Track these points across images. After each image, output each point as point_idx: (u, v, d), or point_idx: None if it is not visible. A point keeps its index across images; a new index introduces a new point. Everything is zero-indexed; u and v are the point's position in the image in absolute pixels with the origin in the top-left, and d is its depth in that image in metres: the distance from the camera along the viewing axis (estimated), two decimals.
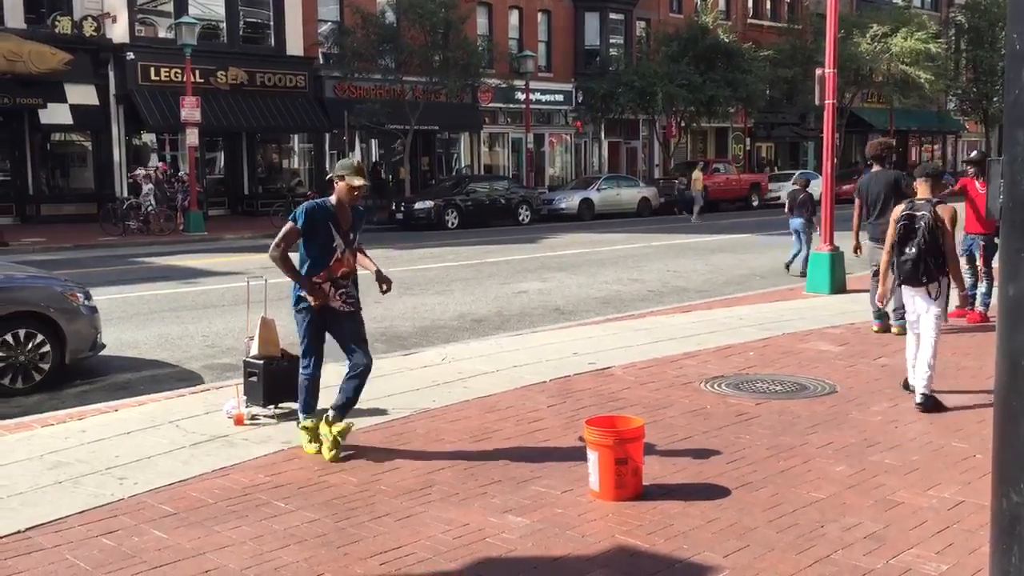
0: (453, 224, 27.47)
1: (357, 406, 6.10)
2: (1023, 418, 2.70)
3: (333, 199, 5.84)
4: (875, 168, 9.91)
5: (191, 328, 10.87)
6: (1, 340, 7.92)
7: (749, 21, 44.38)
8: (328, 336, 5.96)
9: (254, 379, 6.65)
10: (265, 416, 6.63)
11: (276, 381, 6.65)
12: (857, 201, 9.91)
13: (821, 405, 6.98)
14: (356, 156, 32.19)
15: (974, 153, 12.53)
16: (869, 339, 9.43)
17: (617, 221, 29.85)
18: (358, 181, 5.73)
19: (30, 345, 8.08)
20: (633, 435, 5.13)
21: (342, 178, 5.75)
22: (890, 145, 10.31)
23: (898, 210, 7.19)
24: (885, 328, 9.67)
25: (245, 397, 6.69)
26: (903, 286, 7.12)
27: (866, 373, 8.00)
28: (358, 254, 6.05)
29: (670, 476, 5.44)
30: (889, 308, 9.52)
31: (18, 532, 4.66)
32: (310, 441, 5.90)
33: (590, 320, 11.14)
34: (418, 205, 27.48)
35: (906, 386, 7.40)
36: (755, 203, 36.83)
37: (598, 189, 32.28)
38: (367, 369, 5.85)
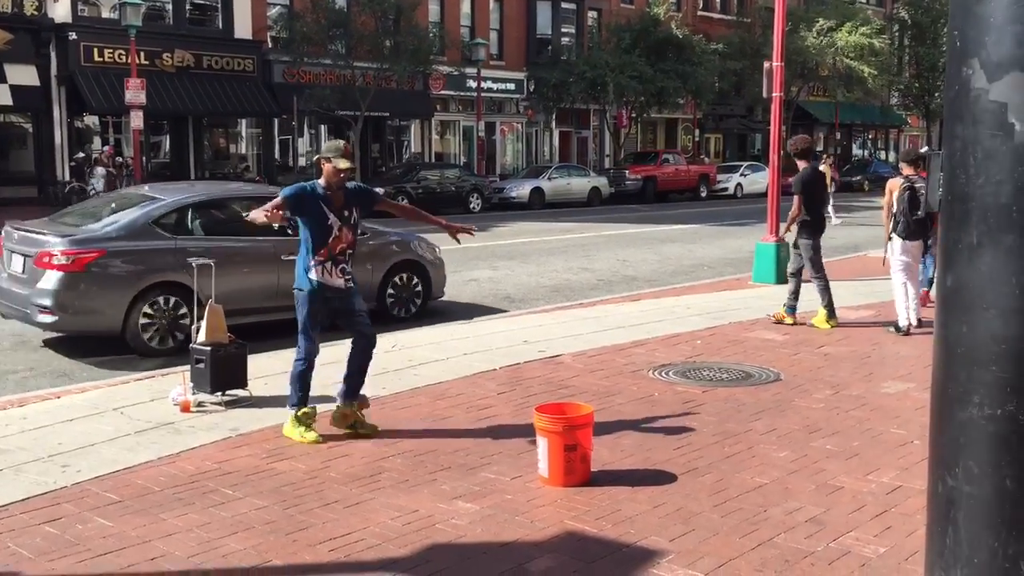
0: None
1: (321, 392, 6.09)
2: (958, 405, 2.78)
3: (322, 181, 5.89)
4: (804, 164, 9.72)
5: None
6: (392, 281, 10.33)
7: (699, 13, 44.72)
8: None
9: (201, 366, 6.59)
10: (212, 403, 6.57)
11: (223, 368, 6.60)
12: (800, 199, 9.55)
13: (766, 392, 7.10)
14: (296, 137, 31.93)
15: (924, 149, 12.99)
16: (812, 328, 9.60)
17: (567, 210, 29.95)
18: (343, 164, 5.82)
19: (411, 286, 10.52)
20: (582, 422, 5.18)
21: (328, 160, 5.83)
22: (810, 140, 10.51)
23: (897, 184, 9.25)
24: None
25: (192, 384, 6.62)
26: (907, 241, 9.15)
27: (809, 361, 8.16)
28: (419, 212, 6.47)
29: (618, 462, 5.51)
30: (787, 301, 9.75)
31: None
32: (306, 430, 5.87)
33: (540, 308, 11.20)
34: (377, 190, 27.28)
35: (897, 328, 9.24)
36: (704, 194, 37.21)
37: (549, 178, 32.34)
38: (372, 344, 6.15)
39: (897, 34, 51.33)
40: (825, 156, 28.76)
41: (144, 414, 6.38)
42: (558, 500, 4.92)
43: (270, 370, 7.57)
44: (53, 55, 26.85)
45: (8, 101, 25.87)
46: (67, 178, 26.08)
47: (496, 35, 37.81)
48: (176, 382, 6.82)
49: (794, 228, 9.89)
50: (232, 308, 8.50)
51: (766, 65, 12.97)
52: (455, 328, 9.62)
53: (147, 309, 8.56)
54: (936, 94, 49.30)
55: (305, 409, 5.94)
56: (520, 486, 5.12)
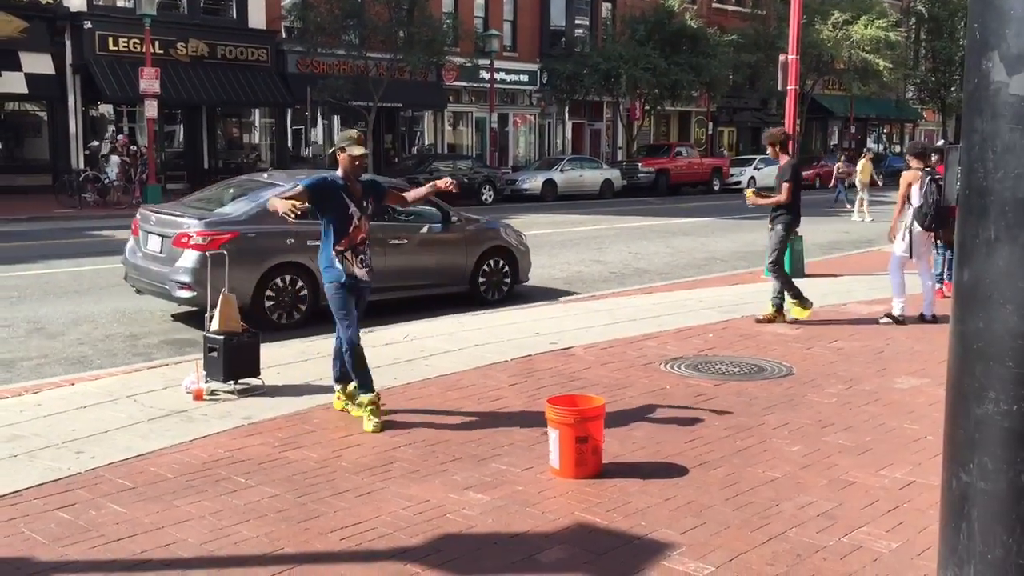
0: None
1: (319, 382, 6.12)
2: (974, 400, 2.77)
3: (340, 172, 5.98)
4: (783, 157, 9.52)
5: (149, 302, 10.72)
6: (483, 265, 11.07)
7: (714, 5, 44.52)
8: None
9: (214, 354, 6.61)
10: (225, 392, 6.59)
11: (236, 357, 6.62)
12: (790, 187, 9.38)
13: (778, 387, 7.08)
14: (309, 127, 32.03)
15: (940, 142, 12.96)
16: (825, 323, 9.56)
17: (580, 203, 29.90)
18: (357, 151, 5.89)
19: (501, 270, 11.27)
20: (594, 414, 5.18)
21: (343, 150, 5.91)
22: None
23: (916, 176, 9.38)
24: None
25: (204, 372, 6.64)
26: (925, 232, 9.41)
27: (822, 356, 8.13)
28: (412, 189, 6.44)
29: (629, 455, 5.51)
30: (774, 296, 9.62)
31: None
32: (371, 415, 5.93)
33: (552, 300, 11.19)
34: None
35: (893, 318, 9.51)
36: (716, 187, 37.10)
37: (561, 170, 32.29)
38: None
39: (913, 27, 51.02)
40: (865, 151, 28.62)
41: (157, 402, 6.41)
42: (569, 492, 4.92)
43: (283, 359, 7.60)
44: (68, 44, 26.95)
45: (23, 89, 25.99)
46: (82, 166, 26.18)
47: (510, 26, 37.73)
48: (189, 370, 6.85)
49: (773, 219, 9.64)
50: None
51: (781, 58, 12.92)
52: (466, 319, 9.62)
53: (272, 287, 9.38)
54: (952, 88, 49.03)
55: (372, 396, 5.97)
56: (531, 477, 5.12)
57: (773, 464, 5.37)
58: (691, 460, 5.41)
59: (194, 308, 9.53)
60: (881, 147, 55.30)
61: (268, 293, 9.33)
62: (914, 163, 9.59)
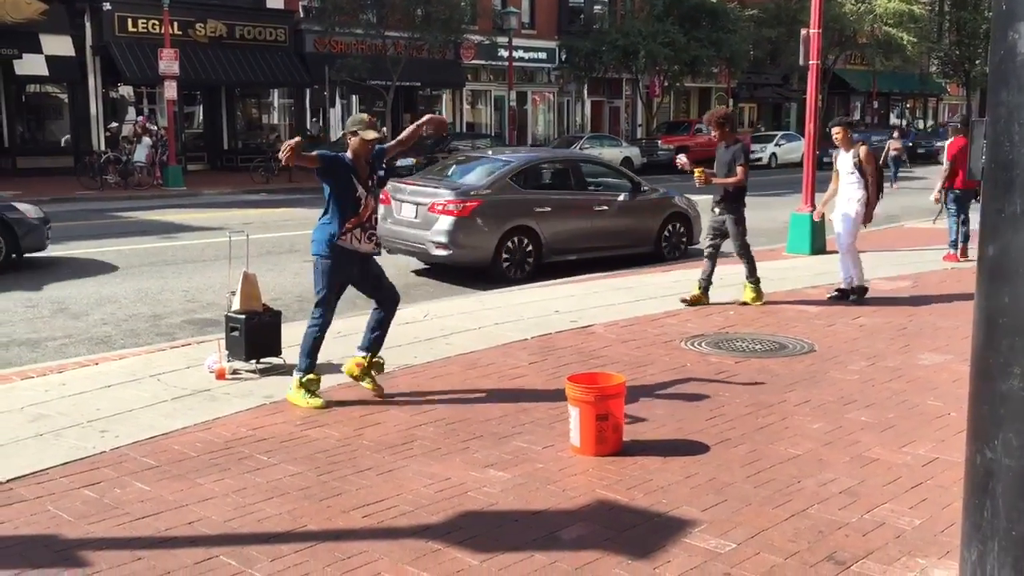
0: None
1: (339, 361, 6.14)
2: (999, 376, 2.74)
3: (349, 154, 6.00)
4: (732, 137, 9.43)
5: (171, 283, 10.82)
6: (666, 229, 12.55)
7: None
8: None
9: (236, 334, 6.64)
10: (247, 371, 6.63)
11: (258, 336, 6.65)
12: (745, 170, 9.20)
13: (800, 364, 7.05)
14: (328, 107, 32.04)
15: (967, 117, 12.98)
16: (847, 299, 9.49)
17: None
18: (372, 135, 5.94)
19: (679, 233, 12.76)
20: (614, 391, 5.17)
21: (355, 134, 5.94)
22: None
23: (869, 151, 9.42)
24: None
25: (227, 352, 6.68)
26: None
27: (844, 332, 8.08)
28: (408, 133, 6.38)
29: (650, 432, 5.50)
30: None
31: None
32: (312, 396, 5.97)
33: (572, 278, 11.16)
34: (400, 161, 27.28)
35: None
36: None
37: (580, 148, 32.12)
38: (396, 304, 6.36)
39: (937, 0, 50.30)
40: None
41: (180, 381, 6.46)
42: (590, 469, 4.92)
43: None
44: (88, 25, 27.03)
45: (44, 71, 26.12)
46: (102, 148, 26.31)
47: (528, 3, 37.50)
48: (211, 350, 6.89)
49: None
50: (561, 247, 11.57)
51: (803, 32, 12.75)
52: (487, 298, 9.62)
53: (507, 246, 11.04)
54: (977, 61, 48.35)
55: (311, 376, 6.02)
56: (552, 455, 5.13)
57: (795, 441, 5.35)
58: (712, 437, 5.40)
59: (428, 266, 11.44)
60: (904, 123, 54.71)
61: (506, 250, 10.95)
62: (846, 139, 9.33)
